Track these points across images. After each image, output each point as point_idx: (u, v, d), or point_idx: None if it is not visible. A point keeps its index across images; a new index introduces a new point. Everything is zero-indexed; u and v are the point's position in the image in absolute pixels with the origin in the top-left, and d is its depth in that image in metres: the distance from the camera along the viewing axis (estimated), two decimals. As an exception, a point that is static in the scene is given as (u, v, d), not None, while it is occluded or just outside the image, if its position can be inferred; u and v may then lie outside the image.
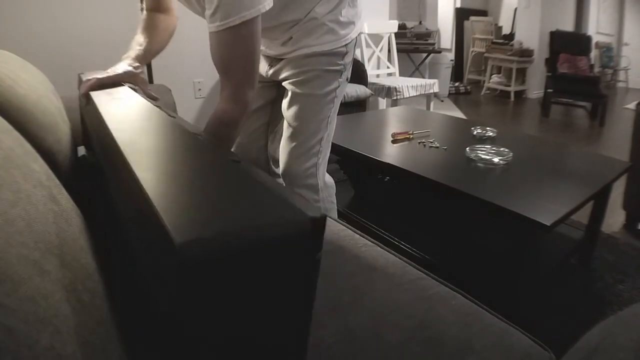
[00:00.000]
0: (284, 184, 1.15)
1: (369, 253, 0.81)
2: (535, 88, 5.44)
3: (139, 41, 1.03)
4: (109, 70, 0.96)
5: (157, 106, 0.76)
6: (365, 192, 1.89)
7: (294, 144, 1.10)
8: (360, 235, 0.89)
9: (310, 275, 0.37)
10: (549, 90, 4.40)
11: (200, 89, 2.60)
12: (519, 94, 5.46)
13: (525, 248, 1.34)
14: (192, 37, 2.47)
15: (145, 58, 1.03)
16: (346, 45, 1.07)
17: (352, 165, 1.90)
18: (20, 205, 0.38)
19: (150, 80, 2.27)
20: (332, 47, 1.05)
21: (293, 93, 1.09)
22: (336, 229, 0.90)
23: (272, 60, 1.17)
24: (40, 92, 1.01)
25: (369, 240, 0.87)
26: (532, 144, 1.82)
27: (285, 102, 1.12)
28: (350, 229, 0.91)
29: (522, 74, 5.48)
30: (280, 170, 1.13)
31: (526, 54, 5.28)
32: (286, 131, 1.12)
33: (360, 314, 0.64)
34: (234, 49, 0.83)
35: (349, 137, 1.72)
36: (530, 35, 5.31)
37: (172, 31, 1.12)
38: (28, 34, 1.95)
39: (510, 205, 1.10)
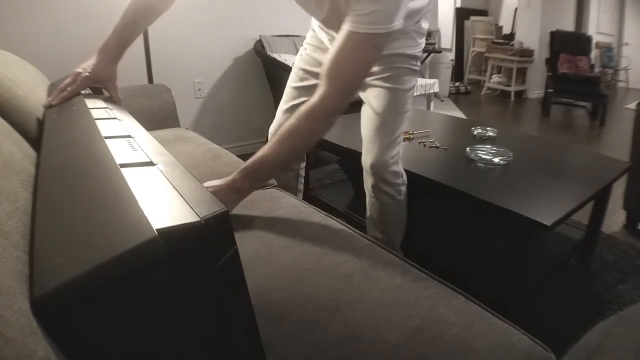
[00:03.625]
0: (370, 174, 1.20)
1: (369, 253, 0.81)
2: (535, 88, 5.44)
3: (121, 33, 0.99)
4: (80, 70, 0.95)
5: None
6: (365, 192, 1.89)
7: (383, 134, 1.16)
8: (361, 235, 0.89)
9: (211, 287, 0.32)
10: (549, 90, 4.40)
11: (200, 89, 2.61)
12: (519, 94, 5.46)
13: (526, 248, 1.34)
14: (193, 37, 2.48)
15: (122, 53, 1.00)
16: (420, 50, 1.19)
17: (352, 165, 1.90)
18: (17, 216, 0.38)
19: (150, 80, 2.28)
20: (412, 52, 1.15)
21: (382, 88, 1.15)
22: (336, 229, 0.90)
23: None
24: (40, 93, 1.01)
25: (369, 240, 0.87)
26: (533, 144, 1.82)
27: (371, 97, 1.18)
28: (350, 229, 0.91)
29: (522, 73, 5.48)
30: (369, 161, 1.19)
31: (526, 53, 5.28)
32: (373, 122, 1.17)
33: (360, 314, 0.64)
34: (358, 55, 0.84)
35: (349, 137, 1.72)
36: (531, 35, 5.31)
37: (161, 14, 1.05)
38: (28, 34, 1.96)
39: (511, 205, 1.10)
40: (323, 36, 1.22)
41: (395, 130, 1.17)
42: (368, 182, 1.23)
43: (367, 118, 1.20)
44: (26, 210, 0.41)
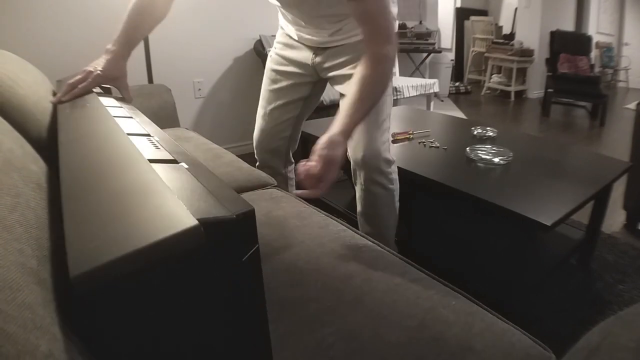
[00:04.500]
0: (361, 167, 1.17)
1: (369, 253, 0.81)
2: (535, 88, 5.44)
3: (127, 32, 0.99)
4: (91, 68, 0.94)
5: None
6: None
7: (369, 124, 1.13)
8: (361, 235, 0.89)
9: (236, 280, 0.34)
10: (549, 90, 4.39)
11: (200, 89, 2.61)
12: (519, 94, 5.46)
13: (526, 248, 1.34)
14: (192, 37, 2.48)
15: (130, 52, 1.01)
16: None
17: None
18: (19, 210, 0.38)
19: (150, 80, 2.28)
20: None
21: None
22: (336, 229, 0.90)
23: (317, 50, 1.20)
24: (41, 92, 1.01)
25: (369, 240, 0.87)
26: (533, 144, 1.82)
27: (349, 88, 1.15)
28: (350, 229, 0.91)
29: (522, 73, 5.48)
30: (360, 154, 1.14)
31: (526, 53, 5.28)
32: None
33: (360, 314, 0.64)
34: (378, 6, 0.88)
35: (349, 137, 1.72)
36: (531, 35, 5.31)
37: (164, 15, 1.06)
38: (28, 34, 1.96)
39: (511, 205, 1.10)
40: (291, 30, 1.21)
41: (380, 116, 1.14)
42: (360, 176, 1.19)
43: None
44: (28, 205, 0.41)
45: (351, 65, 1.14)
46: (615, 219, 1.93)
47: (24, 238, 0.35)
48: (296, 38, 1.22)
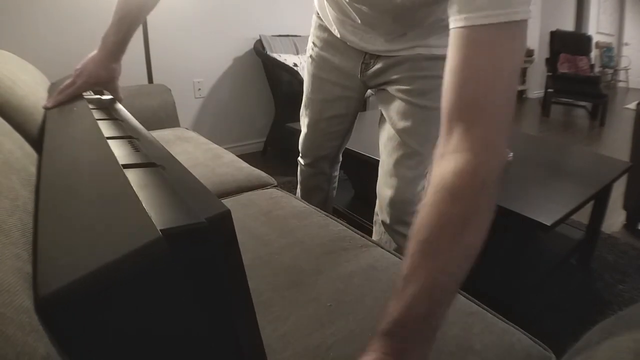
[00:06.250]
0: (386, 212, 0.97)
1: (369, 253, 0.81)
2: (535, 88, 5.44)
3: (116, 24, 0.87)
4: (80, 68, 0.88)
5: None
6: (365, 192, 1.89)
7: (409, 165, 0.90)
8: (361, 235, 0.89)
9: (214, 287, 0.33)
10: (549, 90, 4.40)
11: (200, 89, 2.61)
12: (519, 94, 5.46)
13: (526, 248, 1.34)
14: (193, 37, 2.48)
15: (123, 46, 0.90)
16: None
17: (352, 165, 1.90)
18: (17, 214, 0.38)
19: (150, 80, 2.28)
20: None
21: (409, 105, 0.90)
22: (336, 229, 0.90)
23: (368, 57, 0.95)
24: (40, 93, 1.01)
25: (369, 240, 0.87)
26: (532, 144, 1.82)
27: (395, 114, 0.92)
28: (350, 229, 0.91)
29: (522, 73, 5.48)
30: (387, 195, 0.95)
31: (526, 53, 5.28)
32: (396, 150, 0.92)
33: (360, 314, 0.64)
34: (501, 61, 0.49)
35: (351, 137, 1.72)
36: (531, 35, 5.31)
37: (152, 6, 0.91)
38: (27, 34, 1.96)
39: (511, 205, 1.10)
40: (331, 24, 0.96)
41: (424, 162, 0.90)
42: (384, 217, 0.98)
43: (389, 141, 0.94)
44: (26, 209, 0.41)
45: (401, 87, 0.91)
46: (615, 219, 1.93)
47: (20, 242, 0.35)
48: (338, 36, 0.96)
